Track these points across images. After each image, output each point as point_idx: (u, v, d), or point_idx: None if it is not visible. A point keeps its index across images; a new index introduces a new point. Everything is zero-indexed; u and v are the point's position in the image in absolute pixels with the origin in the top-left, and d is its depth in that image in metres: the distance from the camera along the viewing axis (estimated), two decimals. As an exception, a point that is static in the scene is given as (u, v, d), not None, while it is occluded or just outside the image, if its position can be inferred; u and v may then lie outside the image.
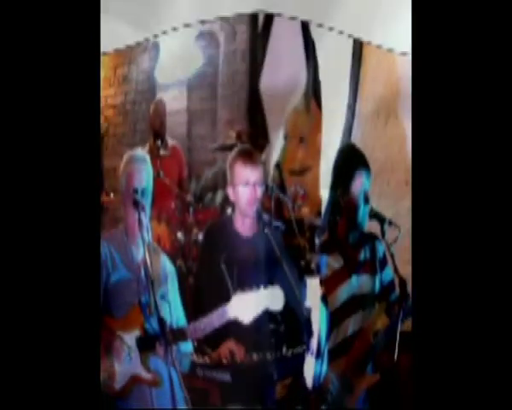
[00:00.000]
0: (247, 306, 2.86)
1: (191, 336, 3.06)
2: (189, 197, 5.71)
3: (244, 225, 3.54)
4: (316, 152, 5.70)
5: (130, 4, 3.10)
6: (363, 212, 3.23)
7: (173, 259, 4.13)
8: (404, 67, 4.42)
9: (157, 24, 3.41)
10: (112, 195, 5.70)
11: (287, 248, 3.45)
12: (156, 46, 7.67)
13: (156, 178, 4.42)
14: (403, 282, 3.08)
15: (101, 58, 7.10)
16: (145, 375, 3.19)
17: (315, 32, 6.17)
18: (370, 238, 3.37)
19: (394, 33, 3.30)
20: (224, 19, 7.24)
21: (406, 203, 4.08)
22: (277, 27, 7.28)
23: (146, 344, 3.13)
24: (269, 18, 7.48)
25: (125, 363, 3.20)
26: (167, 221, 5.57)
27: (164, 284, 3.22)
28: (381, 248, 3.37)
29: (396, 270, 3.13)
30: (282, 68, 6.90)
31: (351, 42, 5.09)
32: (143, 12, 3.20)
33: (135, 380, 3.21)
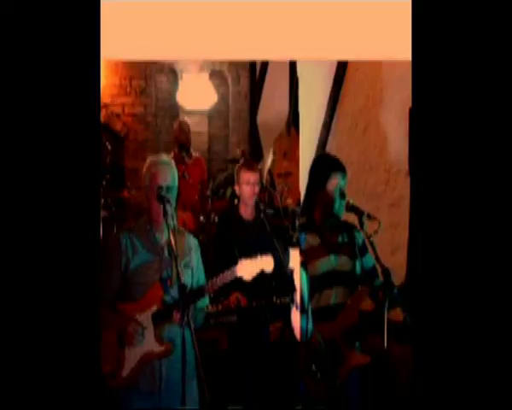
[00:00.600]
0: (248, 268, 2.85)
1: (208, 291, 2.88)
2: (208, 192, 5.96)
3: (246, 212, 3.83)
4: (295, 162, 6.01)
5: (150, 22, 2.42)
6: (339, 204, 2.93)
7: (197, 235, 4.34)
8: (389, 74, 4.09)
9: (172, 51, 2.78)
10: (134, 191, 5.74)
11: (276, 227, 3.72)
12: (173, 72, 7.52)
13: (181, 178, 4.84)
14: (386, 271, 2.70)
15: (108, 63, 6.85)
16: (157, 348, 2.76)
17: (300, 68, 6.04)
18: (348, 227, 3.04)
19: (384, 43, 2.68)
20: (231, 63, 7.48)
21: (386, 200, 4.04)
22: (271, 72, 7.30)
23: (163, 316, 2.77)
24: (264, 65, 7.41)
25: (136, 346, 2.72)
26: (192, 209, 5.76)
27: (187, 255, 2.93)
28: (359, 236, 3.02)
29: (378, 259, 2.77)
30: (272, 106, 7.18)
31: (334, 65, 4.86)
32: (162, 34, 2.55)
33: (145, 358, 2.74)
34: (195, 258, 2.93)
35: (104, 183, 5.57)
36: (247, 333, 3.53)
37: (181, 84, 7.20)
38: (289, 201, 5.76)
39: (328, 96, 4.92)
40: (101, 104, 7.00)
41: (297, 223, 3.26)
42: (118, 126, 7.14)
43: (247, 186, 3.71)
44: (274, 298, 3.53)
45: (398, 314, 2.77)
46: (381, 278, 2.80)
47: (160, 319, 2.73)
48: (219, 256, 3.66)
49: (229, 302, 3.45)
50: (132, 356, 2.71)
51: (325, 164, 2.96)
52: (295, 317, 2.94)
